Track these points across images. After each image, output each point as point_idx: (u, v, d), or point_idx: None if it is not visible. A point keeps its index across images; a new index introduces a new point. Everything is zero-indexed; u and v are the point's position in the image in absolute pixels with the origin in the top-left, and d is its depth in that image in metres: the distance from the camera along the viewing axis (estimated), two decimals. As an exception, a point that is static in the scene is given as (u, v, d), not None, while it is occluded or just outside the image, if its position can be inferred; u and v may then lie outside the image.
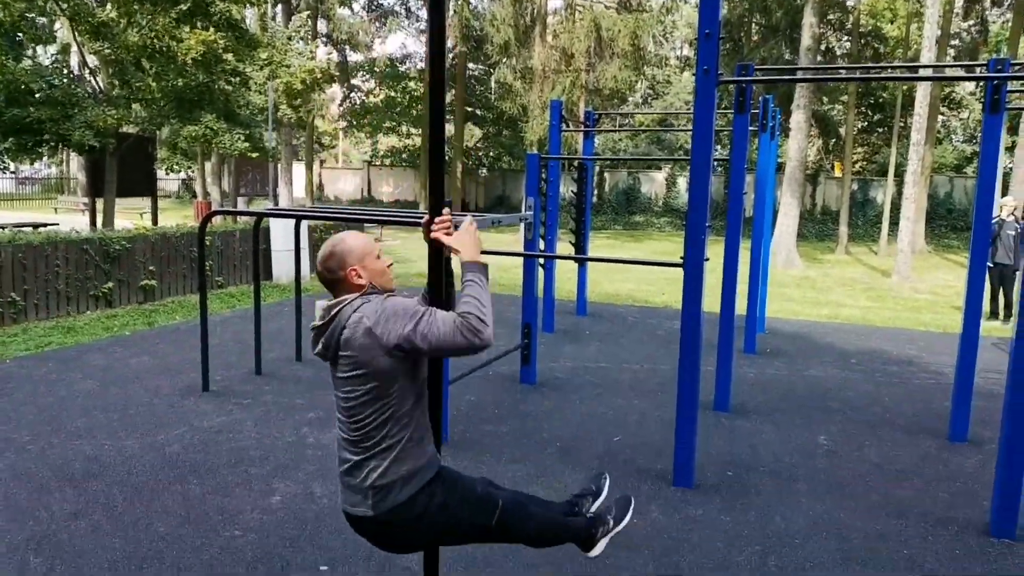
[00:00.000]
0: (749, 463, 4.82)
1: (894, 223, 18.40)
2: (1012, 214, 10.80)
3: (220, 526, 3.75)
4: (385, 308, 2.26)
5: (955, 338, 5.50)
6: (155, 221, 14.87)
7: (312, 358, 7.26)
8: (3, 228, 10.97)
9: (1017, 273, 10.47)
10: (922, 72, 12.35)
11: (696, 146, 4.19)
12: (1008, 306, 10.49)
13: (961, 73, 15.86)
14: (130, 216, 19.84)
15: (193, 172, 32.75)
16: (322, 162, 39.04)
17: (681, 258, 4.24)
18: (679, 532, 3.82)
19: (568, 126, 9.71)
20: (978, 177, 5.13)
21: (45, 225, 14.05)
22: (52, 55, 13.03)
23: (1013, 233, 10.46)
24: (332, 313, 2.32)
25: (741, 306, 7.23)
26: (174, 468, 4.47)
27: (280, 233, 11.53)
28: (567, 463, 4.74)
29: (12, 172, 20.28)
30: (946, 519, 4.04)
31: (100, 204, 13.93)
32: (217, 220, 12.20)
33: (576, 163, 9.61)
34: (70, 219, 19.45)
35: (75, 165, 38.46)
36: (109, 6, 11.58)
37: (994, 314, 10.54)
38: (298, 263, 7.47)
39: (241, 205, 19.26)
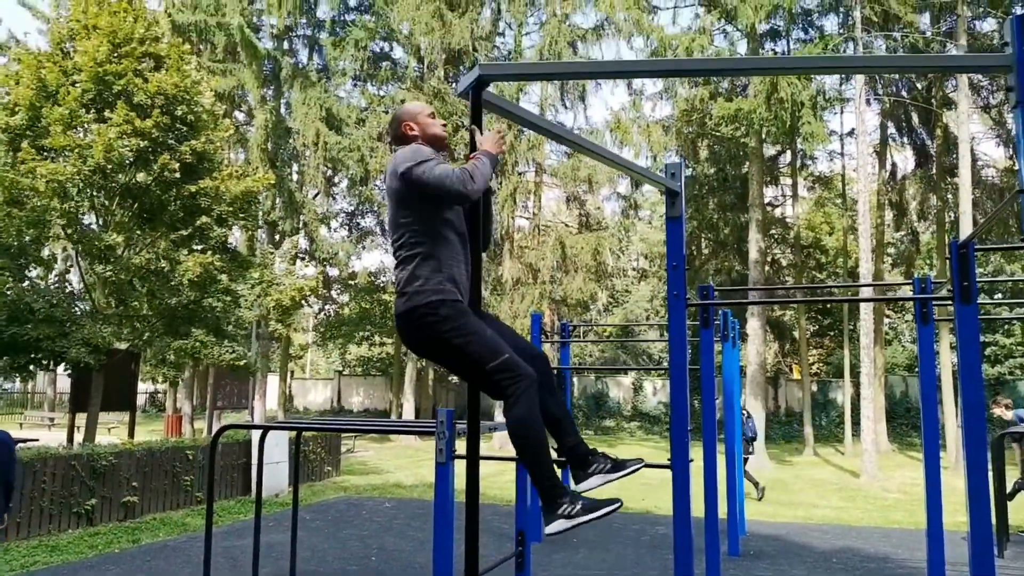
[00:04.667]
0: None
1: (856, 422, 19.07)
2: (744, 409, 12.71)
3: None
4: (409, 148, 3.00)
5: (925, 534, 5.88)
6: (131, 434, 14.91)
7: (308, 570, 7.35)
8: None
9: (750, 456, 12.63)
10: (862, 292, 13.77)
11: (673, 357, 4.78)
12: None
13: (893, 295, 17.91)
14: (98, 432, 19.65)
15: (160, 386, 32.68)
16: (291, 373, 39.38)
17: (668, 459, 4.68)
18: None
19: (547, 336, 10.46)
20: (920, 381, 5.78)
21: (25, 441, 14.00)
22: (55, 274, 13.70)
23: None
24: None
25: (722, 509, 7.55)
26: None
27: (267, 447, 11.70)
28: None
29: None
30: None
31: (77, 419, 14.02)
32: (189, 433, 12.36)
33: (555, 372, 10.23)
34: (40, 435, 19.19)
35: (42, 380, 38.20)
36: (113, 231, 12.43)
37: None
38: (297, 474, 7.70)
39: (215, 418, 19.33)
